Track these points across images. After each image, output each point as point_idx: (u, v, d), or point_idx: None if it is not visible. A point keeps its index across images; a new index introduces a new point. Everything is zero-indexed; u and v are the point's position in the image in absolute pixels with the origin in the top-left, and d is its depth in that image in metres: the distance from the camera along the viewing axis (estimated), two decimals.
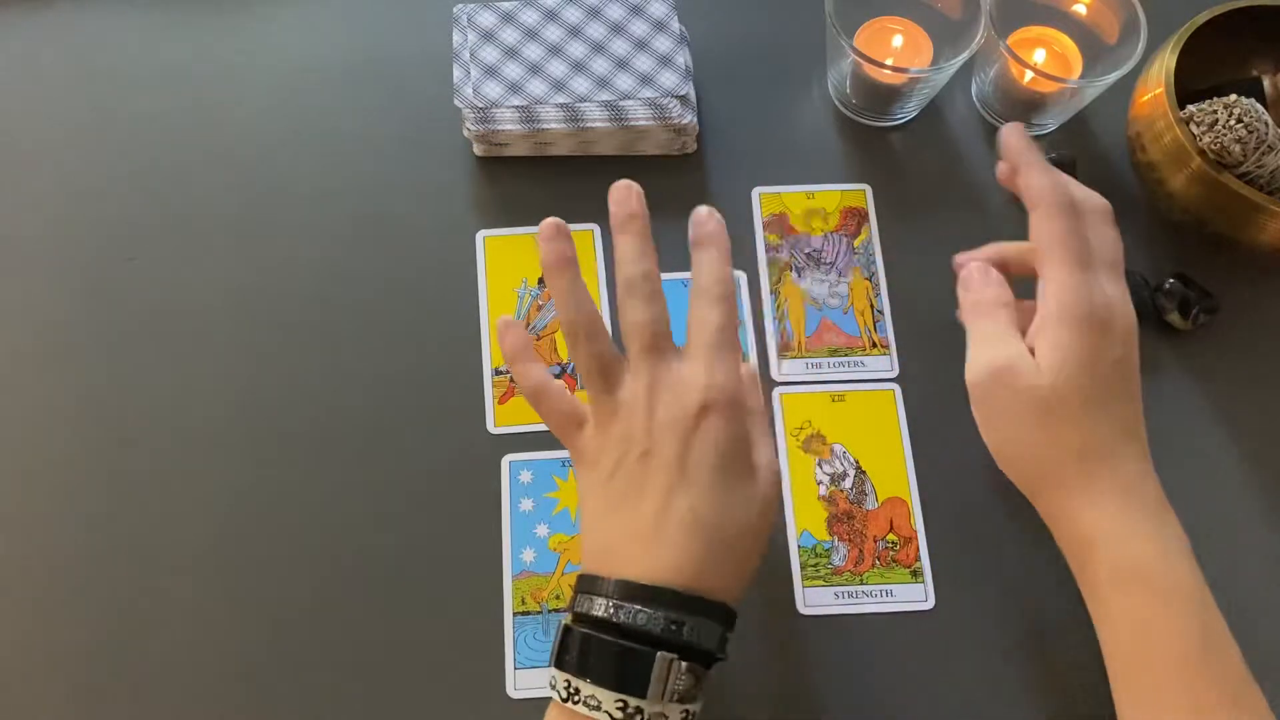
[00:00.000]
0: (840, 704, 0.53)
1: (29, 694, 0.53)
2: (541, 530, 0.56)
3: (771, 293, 0.62)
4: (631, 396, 0.46)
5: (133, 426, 0.58)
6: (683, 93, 0.62)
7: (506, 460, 0.57)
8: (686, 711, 0.43)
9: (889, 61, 0.63)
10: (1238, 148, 0.54)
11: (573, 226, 0.62)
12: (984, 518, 0.52)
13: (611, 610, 0.42)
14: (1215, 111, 0.55)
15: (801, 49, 0.67)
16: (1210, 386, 0.59)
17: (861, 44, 0.63)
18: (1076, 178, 0.62)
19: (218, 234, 0.63)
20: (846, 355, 0.60)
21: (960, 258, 0.53)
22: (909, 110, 0.65)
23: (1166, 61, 0.57)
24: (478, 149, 0.64)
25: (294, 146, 0.65)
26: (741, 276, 0.62)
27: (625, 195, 0.48)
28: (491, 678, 0.53)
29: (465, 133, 0.63)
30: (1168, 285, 0.59)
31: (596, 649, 0.43)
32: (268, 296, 0.61)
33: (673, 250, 0.62)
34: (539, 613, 0.54)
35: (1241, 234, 0.56)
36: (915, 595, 0.55)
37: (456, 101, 0.62)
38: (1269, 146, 0.54)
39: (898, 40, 0.64)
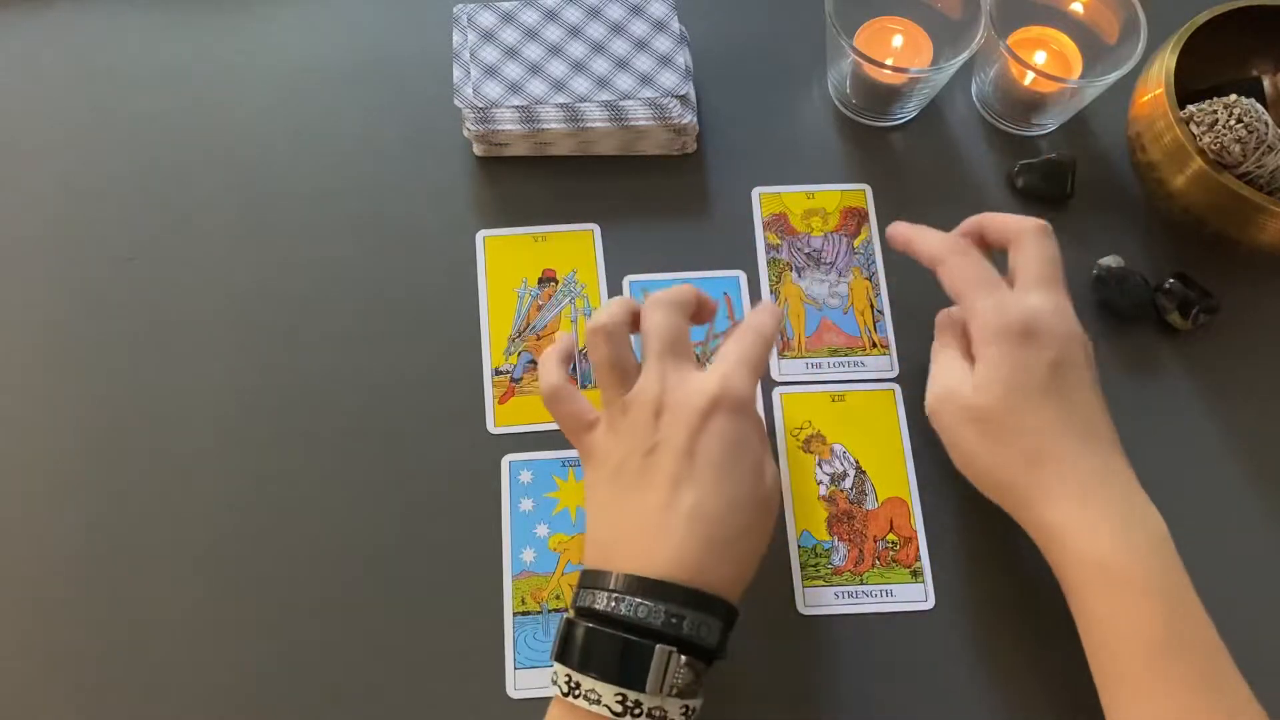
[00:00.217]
0: (840, 704, 0.53)
1: (29, 695, 0.53)
2: (541, 530, 0.56)
3: (771, 293, 0.62)
4: (642, 394, 0.47)
5: (132, 426, 0.58)
6: (683, 93, 0.62)
7: (506, 460, 0.57)
8: (686, 707, 0.43)
9: (889, 61, 0.63)
10: (1238, 148, 0.54)
11: (572, 226, 0.63)
12: (984, 518, 0.52)
13: (613, 604, 0.43)
14: (1215, 111, 0.55)
15: (801, 49, 0.67)
16: (1210, 386, 0.59)
17: (861, 44, 0.63)
18: (1076, 178, 0.63)
19: (218, 234, 0.63)
20: (846, 355, 0.60)
21: (893, 229, 0.57)
22: (909, 110, 0.65)
23: (1166, 61, 0.57)
24: (478, 149, 0.64)
25: (294, 147, 0.65)
26: (741, 276, 0.62)
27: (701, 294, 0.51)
28: (491, 678, 0.53)
29: (465, 133, 0.63)
30: (1168, 285, 0.59)
31: (596, 642, 0.43)
32: (267, 297, 0.61)
33: (673, 249, 0.62)
34: (539, 613, 0.54)
35: (1241, 234, 0.56)
36: (915, 595, 0.55)
37: (456, 101, 0.62)
38: (1269, 146, 0.54)
39: (898, 40, 0.64)
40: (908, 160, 0.65)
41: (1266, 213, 0.54)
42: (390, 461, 0.57)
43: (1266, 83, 0.59)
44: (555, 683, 0.44)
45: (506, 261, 0.62)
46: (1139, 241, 0.62)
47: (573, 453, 0.57)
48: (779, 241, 0.63)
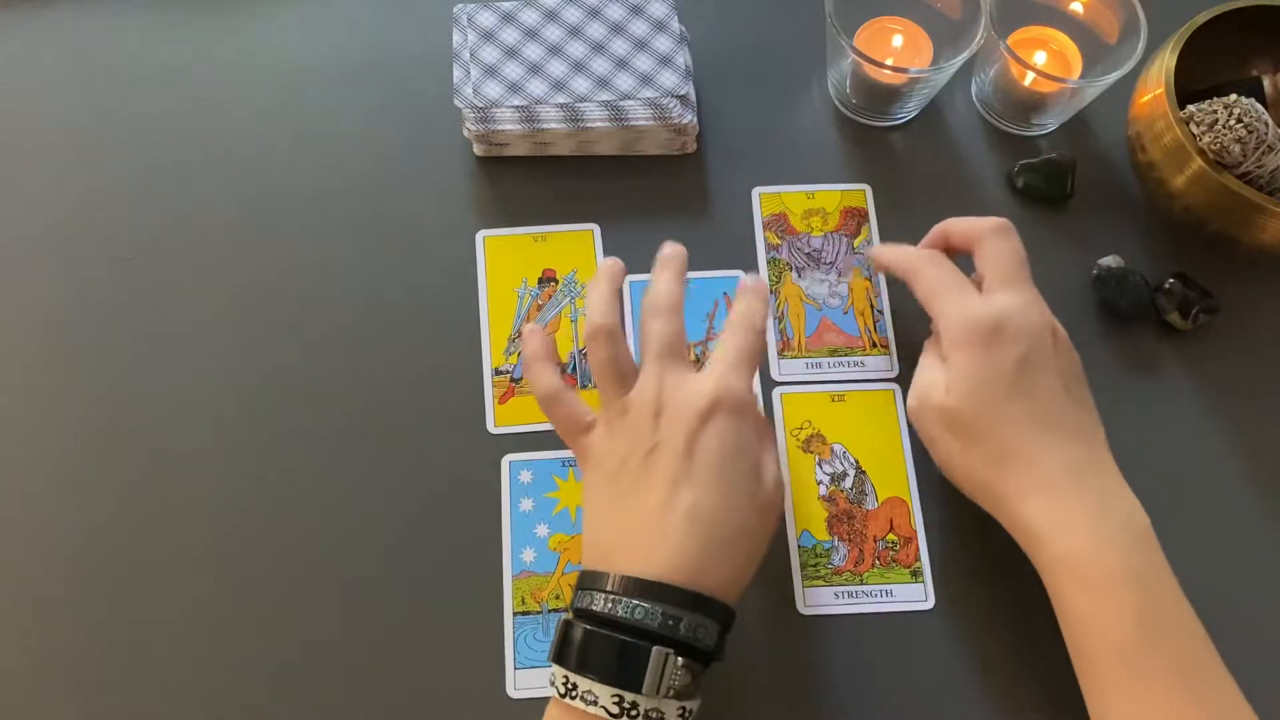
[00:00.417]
0: (840, 704, 0.53)
1: (29, 695, 0.53)
2: (541, 530, 0.56)
3: (771, 293, 0.61)
4: (641, 396, 0.47)
5: (132, 426, 0.58)
6: (683, 93, 0.62)
7: (506, 460, 0.57)
8: (683, 709, 0.43)
9: (889, 61, 0.63)
10: (1238, 148, 0.54)
11: (572, 226, 0.63)
12: (984, 518, 0.52)
13: (610, 605, 0.43)
14: (1215, 111, 0.55)
15: (801, 49, 0.67)
16: (1210, 386, 0.59)
17: (861, 44, 0.63)
18: (1076, 178, 0.63)
19: (218, 234, 0.63)
20: (846, 355, 0.60)
21: (870, 253, 0.59)
22: (909, 110, 0.65)
23: (1166, 61, 0.57)
24: (478, 149, 0.64)
25: (294, 146, 0.65)
26: (741, 276, 0.62)
27: (672, 248, 0.52)
28: (491, 678, 0.53)
29: (465, 133, 0.63)
30: (1168, 285, 0.59)
31: (593, 643, 0.43)
32: (267, 297, 0.61)
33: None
34: (539, 613, 0.54)
35: (1241, 234, 0.56)
36: (915, 595, 0.55)
37: (456, 101, 0.62)
38: (1269, 146, 0.54)
39: (898, 40, 0.64)
40: (908, 160, 0.65)
41: (1266, 213, 0.54)
42: (390, 461, 0.57)
43: (1266, 83, 0.59)
44: (553, 684, 0.44)
45: (506, 261, 0.62)
46: (1139, 241, 0.62)
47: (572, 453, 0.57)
48: (779, 241, 0.63)
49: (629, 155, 0.64)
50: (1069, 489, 0.48)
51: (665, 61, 0.62)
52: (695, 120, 0.63)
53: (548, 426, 0.57)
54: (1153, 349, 0.60)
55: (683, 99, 0.62)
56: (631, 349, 0.53)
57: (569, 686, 0.43)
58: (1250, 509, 0.57)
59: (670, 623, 0.42)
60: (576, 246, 0.62)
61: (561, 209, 0.63)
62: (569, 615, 0.45)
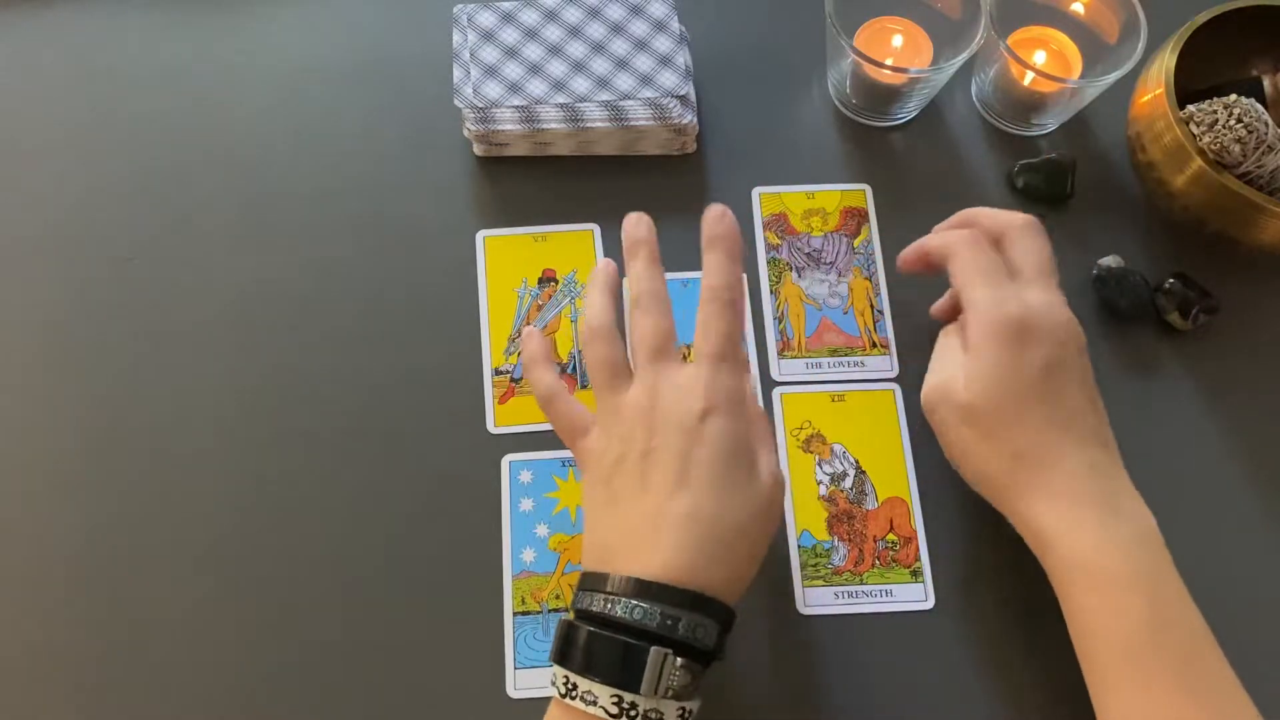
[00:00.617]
0: (840, 704, 0.53)
1: (29, 695, 0.53)
2: (541, 530, 0.56)
3: (771, 293, 0.62)
4: (636, 398, 0.47)
5: (132, 426, 0.58)
6: (683, 93, 0.62)
7: (506, 460, 0.57)
8: (683, 709, 0.43)
9: (889, 61, 0.63)
10: (1238, 148, 0.54)
11: (573, 226, 0.63)
12: (984, 518, 0.52)
13: (609, 606, 0.43)
14: (1215, 111, 0.55)
15: (801, 49, 0.67)
16: (1210, 386, 0.59)
17: (861, 44, 0.63)
18: (1076, 178, 0.63)
19: (217, 234, 0.63)
20: (846, 355, 0.60)
21: (902, 257, 0.57)
22: (909, 110, 0.65)
23: (1166, 61, 0.57)
24: (478, 149, 0.64)
25: (294, 146, 0.65)
26: (741, 276, 0.62)
27: (635, 225, 0.51)
28: (491, 678, 0.53)
29: (465, 133, 0.63)
30: (1168, 285, 0.59)
31: (593, 644, 0.43)
32: (267, 297, 0.61)
33: (674, 249, 0.62)
34: (539, 613, 0.54)
35: (1241, 234, 0.56)
36: (915, 595, 0.55)
37: (456, 101, 0.62)
38: (1269, 146, 0.54)
39: (898, 40, 0.64)
40: (908, 160, 0.65)
41: (1266, 213, 0.54)
42: (390, 461, 0.57)
43: (1266, 83, 0.59)
44: (554, 684, 0.44)
45: (506, 261, 0.62)
46: (1139, 241, 0.62)
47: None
48: (779, 241, 0.63)
49: (629, 155, 0.64)
50: (1083, 493, 0.48)
51: (665, 61, 0.62)
52: (695, 120, 0.63)
53: (548, 427, 0.57)
54: (1153, 349, 0.60)
55: (683, 99, 0.62)
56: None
57: (569, 686, 0.43)
58: (1250, 509, 0.57)
59: (669, 623, 0.42)
60: (576, 247, 0.62)
61: (561, 209, 0.63)
62: (569, 616, 0.45)
